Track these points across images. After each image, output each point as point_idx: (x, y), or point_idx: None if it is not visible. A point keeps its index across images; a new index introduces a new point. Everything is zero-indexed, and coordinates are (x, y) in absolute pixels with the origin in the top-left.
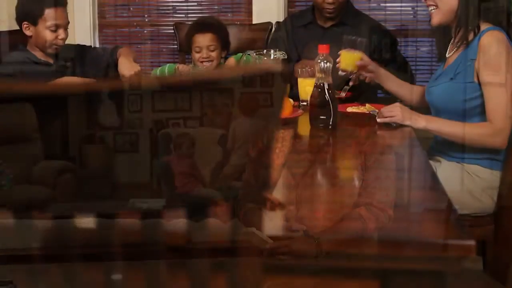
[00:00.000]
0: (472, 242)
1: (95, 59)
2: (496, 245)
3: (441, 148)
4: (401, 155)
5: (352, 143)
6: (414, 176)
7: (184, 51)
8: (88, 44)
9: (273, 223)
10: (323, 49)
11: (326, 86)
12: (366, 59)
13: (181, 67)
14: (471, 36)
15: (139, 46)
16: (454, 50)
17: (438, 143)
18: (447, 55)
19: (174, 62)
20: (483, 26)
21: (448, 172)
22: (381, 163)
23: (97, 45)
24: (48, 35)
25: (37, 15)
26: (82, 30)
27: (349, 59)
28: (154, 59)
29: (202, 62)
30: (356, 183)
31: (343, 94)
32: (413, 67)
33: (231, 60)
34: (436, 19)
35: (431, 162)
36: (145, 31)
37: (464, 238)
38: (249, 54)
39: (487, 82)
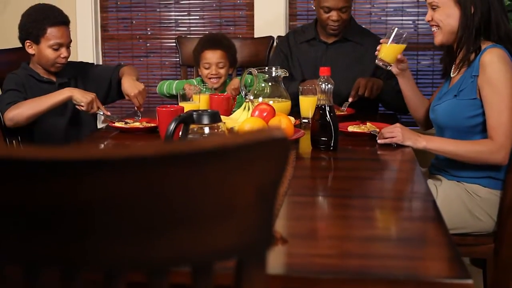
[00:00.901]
0: (470, 281)
1: (98, 76)
2: (496, 264)
3: (442, 166)
4: (400, 181)
5: (352, 167)
6: (413, 206)
7: (186, 65)
8: (90, 56)
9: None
10: (324, 71)
11: (327, 108)
12: (402, 55)
13: (188, 89)
14: (472, 57)
15: (141, 59)
16: (458, 70)
17: (439, 161)
18: (451, 75)
19: (177, 76)
20: (485, 44)
21: (448, 191)
22: (380, 192)
23: (100, 58)
24: (51, 54)
25: (40, 34)
26: (85, 43)
27: (392, 50)
28: (157, 72)
29: (210, 78)
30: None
31: (344, 109)
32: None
33: (235, 81)
34: (438, 39)
35: (431, 180)
36: (148, 44)
37: (464, 277)
38: (250, 72)
39: (488, 99)
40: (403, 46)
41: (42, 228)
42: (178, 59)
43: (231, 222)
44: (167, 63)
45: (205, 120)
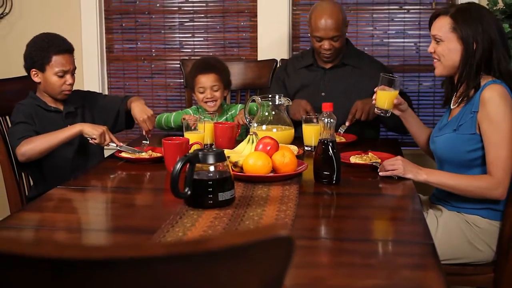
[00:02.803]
0: None
1: (107, 106)
2: None
3: (442, 197)
4: (401, 221)
5: (354, 204)
6: (413, 251)
7: (190, 87)
8: (96, 77)
9: None
10: (326, 107)
11: (330, 143)
12: (400, 97)
13: (188, 118)
14: (471, 93)
15: (146, 80)
16: (458, 103)
17: (439, 191)
18: (451, 107)
19: (181, 97)
20: (485, 80)
21: (448, 221)
22: (381, 234)
23: (105, 79)
24: (56, 81)
25: (45, 61)
26: (90, 64)
27: (386, 97)
28: (161, 93)
29: (206, 102)
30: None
31: (341, 131)
32: (415, 102)
33: (240, 114)
34: (438, 71)
35: (432, 211)
36: (152, 66)
37: None
38: (254, 100)
39: (488, 135)
40: (397, 91)
41: None
42: (182, 80)
43: None
44: (171, 84)
45: (210, 159)
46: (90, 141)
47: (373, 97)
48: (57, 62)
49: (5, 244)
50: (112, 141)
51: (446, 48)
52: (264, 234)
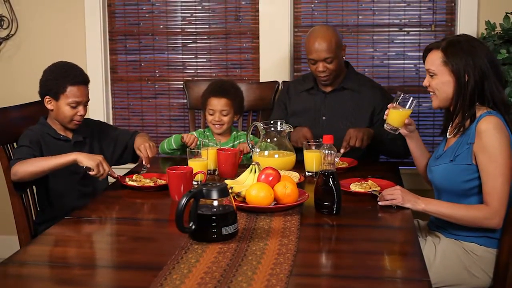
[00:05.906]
0: None
1: (117, 138)
2: None
3: (440, 224)
4: (399, 255)
5: (354, 237)
6: None
7: (193, 108)
8: (100, 97)
9: None
10: (327, 139)
11: (330, 175)
12: (411, 118)
13: (186, 137)
14: (467, 123)
15: (150, 100)
16: (454, 133)
17: (437, 218)
18: (448, 136)
19: (185, 116)
20: (480, 111)
21: (446, 248)
22: (380, 270)
23: (110, 99)
24: (68, 111)
25: (60, 91)
26: (95, 84)
27: (399, 116)
28: (165, 113)
29: (214, 124)
30: None
31: (337, 160)
32: (416, 123)
33: (242, 146)
34: (435, 103)
35: (430, 238)
36: (156, 86)
37: None
38: (255, 127)
39: (484, 166)
40: (410, 111)
41: None
42: (185, 101)
43: None
44: (175, 104)
45: (214, 195)
46: (89, 172)
47: (385, 112)
48: (71, 93)
49: None
50: (109, 172)
51: (440, 81)
52: None
